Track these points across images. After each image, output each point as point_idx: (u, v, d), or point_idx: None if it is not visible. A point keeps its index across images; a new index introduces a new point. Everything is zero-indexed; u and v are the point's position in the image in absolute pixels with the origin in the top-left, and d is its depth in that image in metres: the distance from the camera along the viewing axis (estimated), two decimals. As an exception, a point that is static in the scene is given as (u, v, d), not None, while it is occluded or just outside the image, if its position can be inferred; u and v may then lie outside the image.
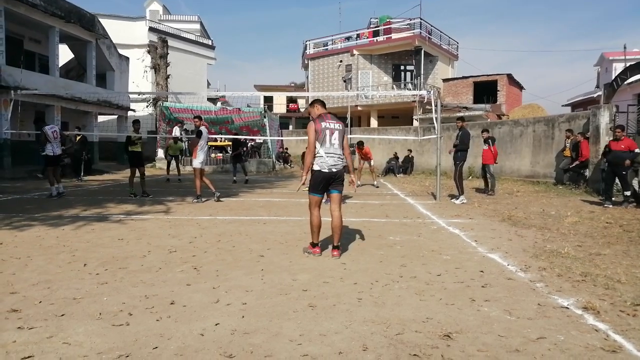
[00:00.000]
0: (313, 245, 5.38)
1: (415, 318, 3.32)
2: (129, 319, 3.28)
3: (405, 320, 3.27)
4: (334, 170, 5.14)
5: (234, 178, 15.57)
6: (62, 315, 3.35)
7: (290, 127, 40.43)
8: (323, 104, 5.45)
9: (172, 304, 3.60)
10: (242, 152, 16.41)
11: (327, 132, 5.14)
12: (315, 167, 5.16)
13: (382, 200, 10.77)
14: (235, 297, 3.78)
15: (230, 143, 24.76)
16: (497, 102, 29.40)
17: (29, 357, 2.68)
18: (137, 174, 11.02)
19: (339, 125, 5.24)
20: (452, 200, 10.53)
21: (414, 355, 2.73)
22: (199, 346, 2.84)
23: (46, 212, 8.33)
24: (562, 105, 42.48)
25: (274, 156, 22.88)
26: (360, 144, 14.19)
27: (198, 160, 10.08)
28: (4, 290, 3.90)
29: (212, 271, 4.57)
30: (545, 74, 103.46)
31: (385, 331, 3.08)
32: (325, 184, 5.21)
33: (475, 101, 29.84)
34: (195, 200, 9.97)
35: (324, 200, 5.40)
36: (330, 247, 5.38)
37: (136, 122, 11.80)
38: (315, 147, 5.15)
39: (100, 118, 24.51)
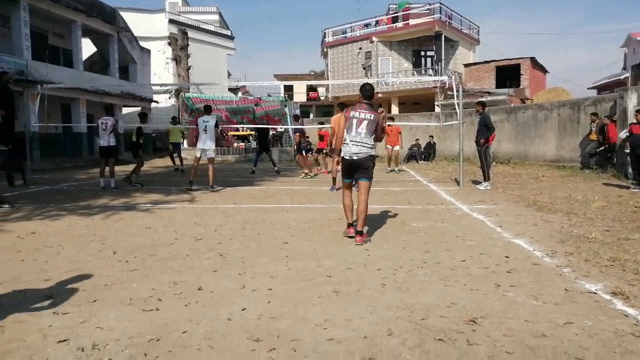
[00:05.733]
0: (348, 225, 5.57)
1: (440, 303, 3.33)
2: (159, 304, 3.37)
3: (429, 306, 3.28)
4: (355, 158, 5.30)
5: (254, 168, 15.04)
6: (94, 301, 3.46)
7: (311, 115, 40.38)
8: (368, 91, 5.50)
9: (199, 289, 3.68)
10: (270, 142, 16.10)
11: (355, 121, 5.33)
12: (342, 154, 5.44)
13: (404, 187, 10.73)
14: (261, 283, 3.84)
15: (253, 132, 25.02)
16: (521, 87, 28.81)
17: (64, 340, 2.78)
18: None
19: (370, 115, 5.34)
20: (476, 186, 10.43)
21: (439, 339, 2.74)
22: (227, 330, 2.91)
23: (76, 202, 8.54)
24: (588, 88, 41.45)
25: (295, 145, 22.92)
26: (390, 120, 14.16)
27: (197, 149, 10.27)
28: (39, 277, 4.04)
29: (237, 258, 4.64)
30: (570, 57, 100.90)
31: (409, 316, 3.10)
32: (349, 170, 5.41)
33: (498, 86, 29.29)
34: (213, 190, 10.09)
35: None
36: (353, 231, 5.44)
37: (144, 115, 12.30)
38: (342, 134, 5.42)
39: (124, 110, 24.90)
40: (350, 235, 5.46)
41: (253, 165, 15.19)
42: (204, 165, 10.52)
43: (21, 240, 5.50)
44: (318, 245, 5.15)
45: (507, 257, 4.56)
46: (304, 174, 13.39)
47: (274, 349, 2.65)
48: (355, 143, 5.30)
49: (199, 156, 10.37)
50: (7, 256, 4.77)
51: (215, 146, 10.73)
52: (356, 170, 5.37)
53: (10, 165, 11.51)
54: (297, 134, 13.94)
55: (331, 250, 4.92)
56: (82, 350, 2.64)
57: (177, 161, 15.89)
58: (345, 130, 5.37)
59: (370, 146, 5.37)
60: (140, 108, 25.99)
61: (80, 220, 6.83)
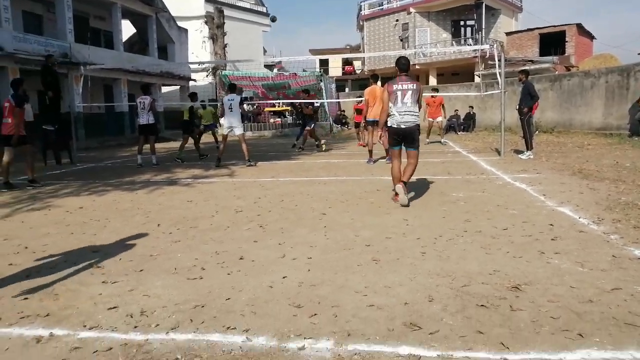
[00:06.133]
0: (396, 193, 5.72)
1: (482, 271, 3.28)
2: (202, 273, 3.47)
3: (471, 273, 3.24)
4: (403, 126, 5.67)
5: (295, 142, 14.70)
6: (141, 270, 3.59)
7: (347, 89, 40.00)
8: (404, 64, 5.82)
9: (241, 259, 3.76)
10: (314, 117, 15.72)
11: (399, 93, 5.67)
12: (389, 124, 5.77)
13: (443, 158, 10.54)
14: (301, 252, 3.88)
15: (289, 108, 25.03)
16: (566, 54, 27.55)
17: (114, 307, 2.90)
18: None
19: (413, 85, 5.70)
20: (518, 155, 10.14)
21: (482, 306, 2.71)
22: (269, 297, 2.97)
23: (120, 178, 8.84)
24: (639, 54, 39.17)
25: (331, 119, 22.83)
26: (435, 90, 13.85)
27: (225, 127, 10.45)
28: (88, 249, 4.21)
29: (277, 229, 4.70)
30: (620, 22, 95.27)
31: (450, 283, 3.07)
32: (397, 138, 5.76)
33: (542, 54, 28.10)
34: (250, 164, 10.20)
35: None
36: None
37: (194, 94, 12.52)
38: (388, 107, 5.73)
39: (164, 89, 25.35)
40: (397, 200, 5.66)
41: (295, 139, 14.91)
42: (233, 142, 10.60)
43: (70, 215, 5.74)
44: (356, 216, 5.15)
45: (551, 225, 4.44)
46: (319, 146, 13.26)
47: (315, 314, 2.69)
48: (402, 113, 5.64)
49: (226, 134, 10.50)
50: (58, 230, 5.00)
51: (253, 122, 10.82)
52: (404, 139, 5.73)
53: (57, 145, 11.99)
54: (309, 107, 13.61)
55: (369, 221, 4.91)
56: (131, 317, 2.75)
57: (209, 140, 15.67)
58: (391, 104, 5.69)
59: (417, 114, 5.74)
60: (179, 87, 26.43)
61: (125, 195, 7.06)
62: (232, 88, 10.74)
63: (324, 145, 13.26)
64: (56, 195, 7.17)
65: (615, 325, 2.41)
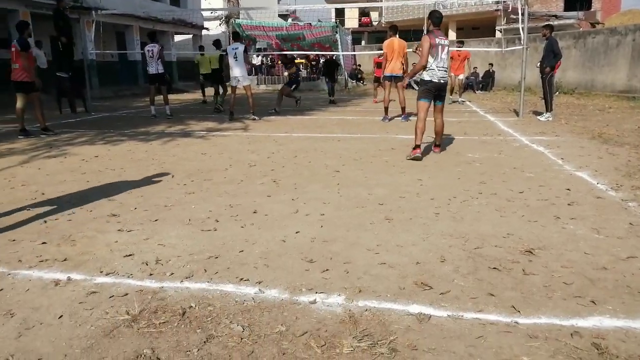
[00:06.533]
0: (416, 147, 5.84)
1: (495, 233, 3.27)
2: (216, 225, 3.50)
3: (484, 235, 3.23)
4: (442, 82, 5.94)
5: (331, 98, 14.18)
6: (156, 220, 3.63)
7: (363, 42, 39.07)
8: (438, 18, 6.00)
9: (254, 213, 3.78)
10: (336, 72, 15.14)
11: (440, 47, 5.85)
12: (427, 77, 5.90)
13: (459, 118, 10.36)
14: (314, 208, 3.89)
15: (303, 61, 24.57)
16: (592, 9, 26.47)
17: (129, 255, 2.96)
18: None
19: (447, 42, 6.00)
20: (537, 117, 9.93)
21: (494, 268, 2.71)
22: (282, 251, 2.99)
23: (134, 129, 8.85)
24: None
25: (346, 74, 22.39)
26: (460, 43, 13.42)
27: (231, 78, 10.16)
28: (103, 197, 4.26)
29: (290, 184, 4.70)
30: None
31: (463, 245, 3.07)
32: (435, 93, 5.98)
33: (567, 9, 27.05)
34: (253, 118, 10.13)
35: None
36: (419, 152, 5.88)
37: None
38: (427, 59, 5.82)
39: (176, 38, 24.96)
40: (415, 156, 5.76)
41: (331, 96, 14.37)
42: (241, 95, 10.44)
43: (86, 163, 5.79)
44: (369, 174, 5.12)
45: (568, 189, 4.38)
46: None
47: (327, 270, 2.71)
48: (441, 68, 5.87)
49: (234, 85, 10.26)
50: (74, 177, 5.05)
51: (267, 75, 10.62)
52: (437, 94, 6.01)
53: (71, 93, 11.97)
54: (293, 67, 12.75)
55: (383, 180, 4.89)
56: (147, 264, 2.80)
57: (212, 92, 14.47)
58: (431, 58, 5.81)
59: (447, 69, 6.06)
60: (191, 35, 25.97)
61: (140, 145, 7.08)
62: (236, 36, 10.45)
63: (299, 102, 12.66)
64: (72, 144, 7.22)
65: (629, 293, 2.40)
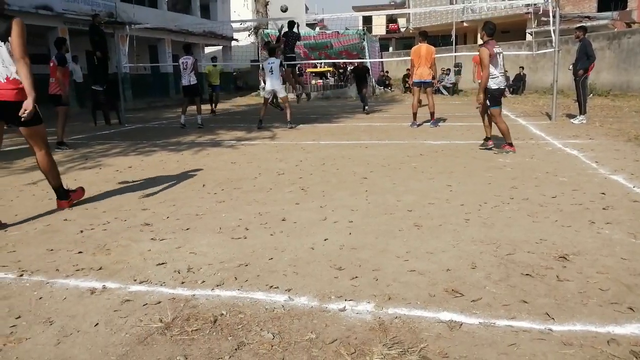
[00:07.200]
0: (510, 144, 6.44)
1: (528, 239, 3.21)
2: (246, 233, 3.54)
3: (516, 241, 3.17)
4: (502, 87, 6.50)
5: (367, 108, 13.62)
6: (187, 229, 3.70)
7: (391, 48, 38.96)
8: (491, 29, 6.37)
9: (283, 220, 3.82)
10: (367, 79, 14.82)
11: (499, 56, 6.34)
12: (494, 86, 6.35)
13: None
14: (342, 215, 3.89)
15: (330, 69, 24.67)
16: (627, 9, 25.70)
17: (162, 263, 3.02)
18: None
19: (501, 49, 6.46)
20: (570, 120, 9.69)
21: (527, 275, 2.66)
22: (310, 258, 3.01)
23: (166, 139, 9.05)
24: None
25: (374, 80, 22.36)
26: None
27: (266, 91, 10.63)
28: (137, 206, 4.37)
29: (318, 192, 4.73)
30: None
31: (495, 251, 3.02)
32: (500, 99, 6.48)
33: (600, 9, 26.32)
34: (291, 126, 10.25)
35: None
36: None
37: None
38: (489, 70, 6.24)
39: (206, 50, 25.46)
40: (489, 147, 6.66)
41: (365, 105, 13.82)
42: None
43: (120, 174, 5.96)
44: (398, 181, 5.10)
45: (603, 193, 4.26)
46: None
47: (356, 277, 2.71)
48: (502, 74, 6.38)
49: (267, 97, 10.69)
50: (109, 187, 5.20)
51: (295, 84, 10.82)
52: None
53: (106, 105, 12.34)
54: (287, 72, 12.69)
55: (411, 186, 4.86)
56: (179, 273, 2.86)
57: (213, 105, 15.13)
58: (492, 67, 6.25)
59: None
60: (221, 47, 26.43)
61: (171, 155, 7.24)
62: (272, 52, 10.77)
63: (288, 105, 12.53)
64: (106, 155, 7.44)
65: (669, 300, 2.31)
